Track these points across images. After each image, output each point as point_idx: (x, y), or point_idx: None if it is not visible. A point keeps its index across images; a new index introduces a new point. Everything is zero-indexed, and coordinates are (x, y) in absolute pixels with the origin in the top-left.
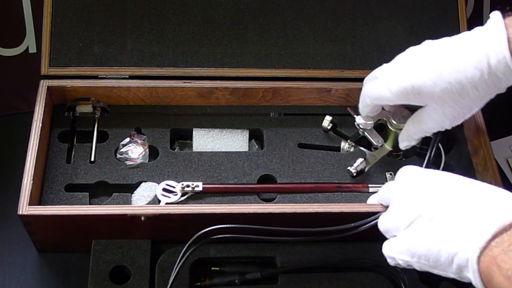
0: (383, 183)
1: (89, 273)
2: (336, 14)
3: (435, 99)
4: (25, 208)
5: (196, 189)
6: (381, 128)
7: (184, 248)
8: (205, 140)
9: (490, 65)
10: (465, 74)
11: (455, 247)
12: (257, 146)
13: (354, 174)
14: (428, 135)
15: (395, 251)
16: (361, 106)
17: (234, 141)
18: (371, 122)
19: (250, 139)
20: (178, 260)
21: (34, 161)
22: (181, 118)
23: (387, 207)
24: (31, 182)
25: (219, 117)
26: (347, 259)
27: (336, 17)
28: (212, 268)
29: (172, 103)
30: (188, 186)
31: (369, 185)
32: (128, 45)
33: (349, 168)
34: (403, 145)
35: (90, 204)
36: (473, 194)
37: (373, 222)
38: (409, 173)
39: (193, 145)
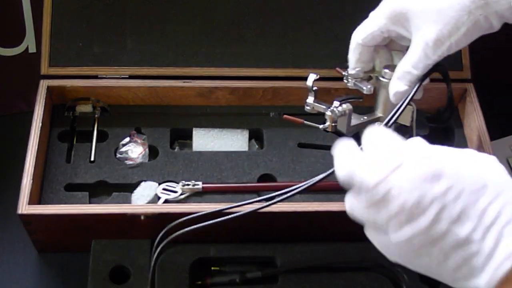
0: None
1: (89, 273)
2: (336, 14)
3: (418, 14)
4: (24, 207)
5: (196, 187)
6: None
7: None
8: (205, 140)
9: None
10: None
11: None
12: (257, 146)
13: (338, 115)
14: (416, 71)
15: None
16: (350, 54)
17: (234, 140)
18: (360, 68)
19: (250, 139)
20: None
21: (34, 160)
22: (181, 118)
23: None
24: (31, 181)
25: (219, 117)
26: (347, 259)
27: (336, 17)
28: (212, 268)
29: (172, 103)
30: (188, 185)
31: None
32: (128, 45)
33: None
34: (393, 90)
35: (90, 203)
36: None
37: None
38: (377, 139)
39: (193, 144)
